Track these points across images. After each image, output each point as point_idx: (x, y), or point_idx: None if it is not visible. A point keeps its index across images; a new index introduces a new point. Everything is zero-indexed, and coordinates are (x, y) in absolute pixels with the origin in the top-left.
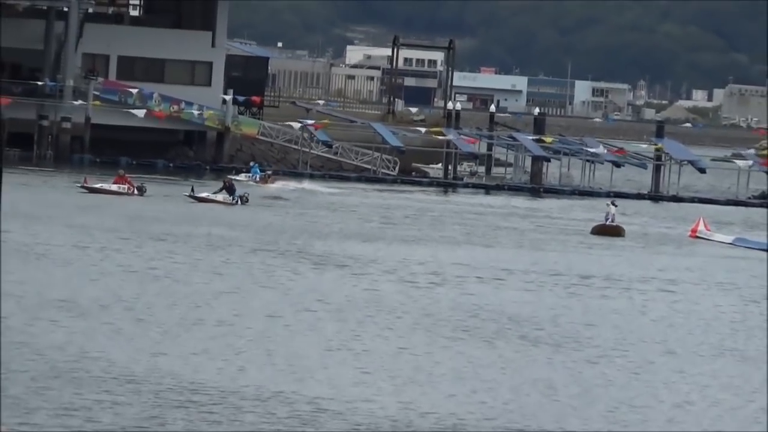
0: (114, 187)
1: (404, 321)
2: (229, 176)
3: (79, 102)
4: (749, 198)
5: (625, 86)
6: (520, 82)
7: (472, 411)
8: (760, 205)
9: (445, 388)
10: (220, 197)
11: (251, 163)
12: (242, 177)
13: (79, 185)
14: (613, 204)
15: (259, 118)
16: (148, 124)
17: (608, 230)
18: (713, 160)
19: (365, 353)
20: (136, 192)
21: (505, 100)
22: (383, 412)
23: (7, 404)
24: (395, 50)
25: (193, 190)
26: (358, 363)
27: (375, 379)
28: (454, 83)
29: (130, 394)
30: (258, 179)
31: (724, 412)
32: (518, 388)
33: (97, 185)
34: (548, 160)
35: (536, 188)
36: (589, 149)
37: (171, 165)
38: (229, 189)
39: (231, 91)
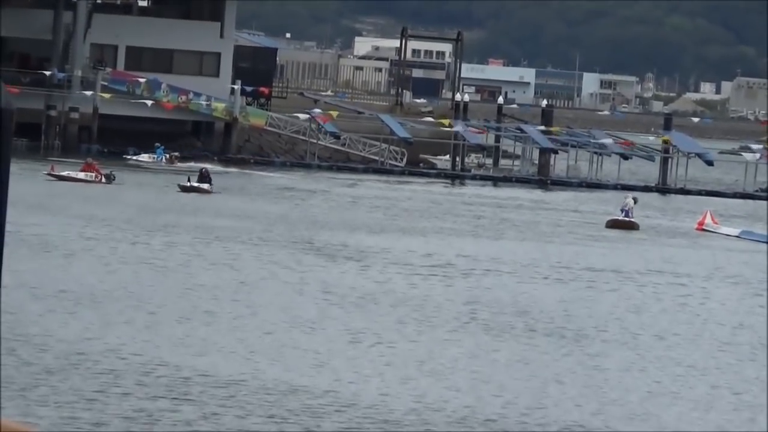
0: (81, 175)
1: (413, 313)
2: (204, 167)
3: (88, 92)
4: (756, 191)
5: (633, 78)
6: (528, 74)
7: (483, 403)
8: (767, 198)
9: (455, 381)
10: (206, 186)
11: (156, 145)
12: (146, 158)
13: (45, 173)
14: (634, 199)
15: (267, 109)
16: (156, 115)
17: (623, 224)
18: (721, 152)
19: (375, 345)
20: (103, 180)
21: (513, 92)
22: (395, 405)
23: (14, 396)
24: (403, 42)
25: (189, 180)
26: (368, 355)
27: (384, 370)
28: (462, 75)
29: (139, 386)
30: (163, 161)
31: (731, 406)
32: (526, 380)
33: (64, 173)
34: (556, 152)
35: (544, 180)
36: (596, 141)
37: (178, 155)
38: (205, 177)
39: (239, 82)
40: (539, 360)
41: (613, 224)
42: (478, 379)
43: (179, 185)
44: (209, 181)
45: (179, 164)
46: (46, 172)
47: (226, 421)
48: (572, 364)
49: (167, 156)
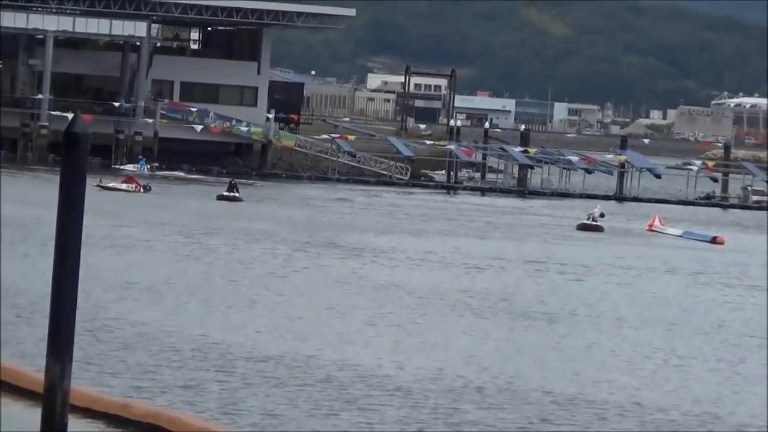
0: (123, 186)
1: (417, 299)
2: (234, 179)
3: (149, 119)
4: (696, 199)
5: (595, 107)
6: (509, 104)
7: (474, 372)
8: (705, 205)
9: (451, 354)
10: (238, 194)
11: (139, 157)
12: (131, 167)
13: (95, 185)
14: (601, 215)
15: (296, 133)
16: (205, 138)
17: (590, 227)
18: (667, 167)
19: (383, 327)
20: (142, 190)
21: (497, 118)
22: (406, 374)
23: (88, 367)
24: (407, 77)
25: (230, 189)
26: (382, 334)
27: (395, 346)
28: (455, 104)
29: (193, 360)
30: (145, 170)
31: (679, 375)
32: (509, 354)
33: (110, 184)
34: (532, 167)
35: (522, 191)
36: (565, 158)
37: (224, 171)
38: (234, 187)
39: (273, 111)
40: (520, 337)
41: (582, 227)
42: (469, 353)
43: (217, 195)
44: (237, 191)
45: (158, 172)
46: (95, 184)
47: (266, 390)
48: (546, 341)
49: (149, 166)
